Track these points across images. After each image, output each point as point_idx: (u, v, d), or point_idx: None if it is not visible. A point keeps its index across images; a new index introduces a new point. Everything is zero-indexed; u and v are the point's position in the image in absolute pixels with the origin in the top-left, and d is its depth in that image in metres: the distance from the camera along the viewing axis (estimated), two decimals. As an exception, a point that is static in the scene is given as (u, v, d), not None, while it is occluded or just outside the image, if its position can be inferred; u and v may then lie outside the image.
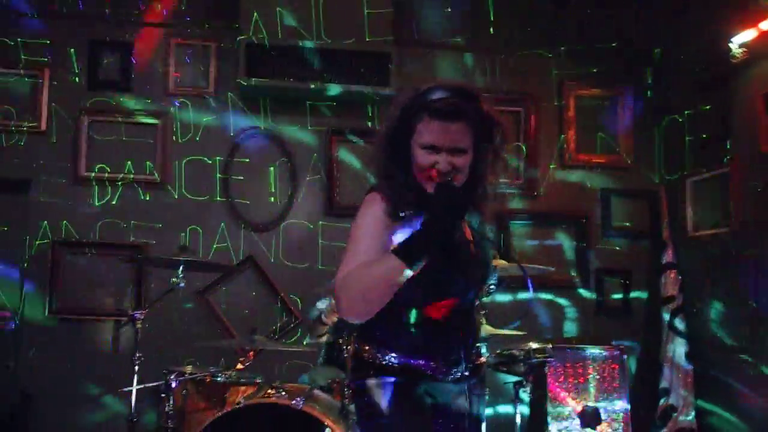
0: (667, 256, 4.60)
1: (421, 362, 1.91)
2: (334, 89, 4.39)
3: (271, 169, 4.55)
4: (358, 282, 1.75)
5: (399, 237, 1.80)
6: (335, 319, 3.47)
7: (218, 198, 4.49)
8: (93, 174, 4.39)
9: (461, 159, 1.88)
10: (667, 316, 4.52)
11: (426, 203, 1.80)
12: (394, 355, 1.91)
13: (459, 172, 1.88)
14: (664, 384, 4.46)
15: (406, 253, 1.71)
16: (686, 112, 4.58)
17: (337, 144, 4.60)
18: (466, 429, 1.97)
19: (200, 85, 4.53)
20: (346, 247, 1.88)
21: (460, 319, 1.95)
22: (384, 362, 1.91)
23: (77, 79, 4.44)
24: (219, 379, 3.39)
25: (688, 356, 4.43)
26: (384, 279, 1.73)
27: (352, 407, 3.23)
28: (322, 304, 3.83)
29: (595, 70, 4.83)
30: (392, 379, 1.90)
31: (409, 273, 1.71)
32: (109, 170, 4.41)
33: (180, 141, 4.49)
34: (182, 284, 3.45)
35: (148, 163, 4.44)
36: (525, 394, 3.67)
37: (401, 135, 1.91)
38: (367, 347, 1.94)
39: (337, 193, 4.56)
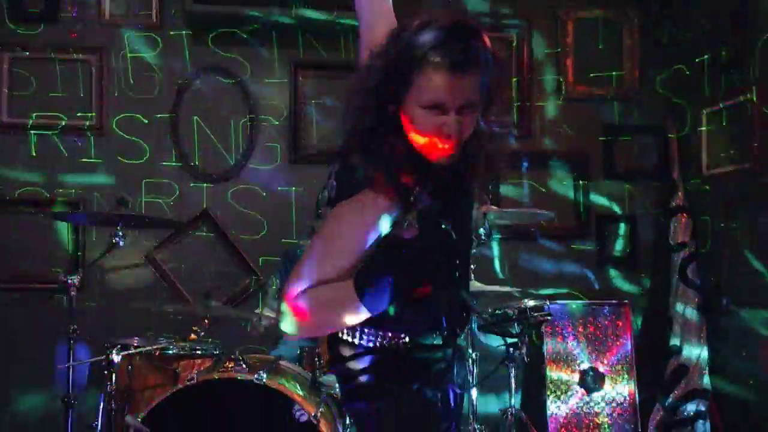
0: (678, 198, 4.45)
1: (428, 334, 1.73)
2: (299, 16, 4.13)
3: (228, 111, 4.31)
4: (311, 314, 1.58)
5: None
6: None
7: (166, 145, 4.24)
8: (17, 120, 4.11)
9: (471, 116, 1.61)
10: (677, 266, 4.38)
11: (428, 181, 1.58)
12: (391, 333, 1.72)
13: (467, 132, 1.63)
14: (674, 341, 4.32)
15: (366, 294, 1.56)
16: (701, 34, 4.35)
17: (302, 80, 4.35)
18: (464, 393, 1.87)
19: (142, 14, 4.24)
20: (314, 245, 1.62)
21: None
22: (385, 342, 1.73)
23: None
24: (170, 351, 3.23)
25: (702, 310, 4.30)
26: (340, 316, 1.60)
27: (324, 379, 3.10)
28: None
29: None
30: (398, 360, 1.74)
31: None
32: (36, 115, 4.13)
33: (118, 80, 4.21)
34: (122, 242, 3.24)
35: (82, 106, 4.17)
36: (520, 358, 3.53)
37: (391, 91, 1.61)
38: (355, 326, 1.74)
39: (303, 137, 4.34)
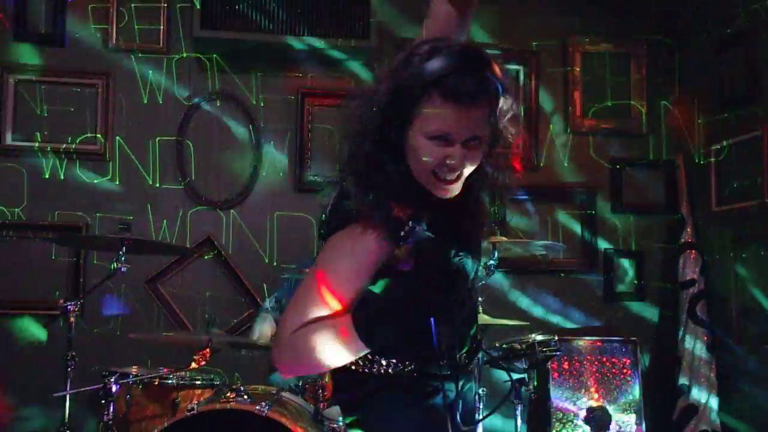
0: (687, 235, 4.43)
1: (434, 364, 1.65)
2: (305, 43, 4.14)
3: (233, 137, 4.29)
4: (307, 350, 1.54)
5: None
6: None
7: (170, 171, 4.22)
8: (22, 143, 4.09)
9: (477, 150, 1.56)
10: (686, 303, 4.34)
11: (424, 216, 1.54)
12: (395, 360, 1.67)
13: (473, 166, 1.58)
14: (682, 381, 4.28)
15: (367, 331, 1.50)
16: (711, 68, 4.36)
17: (308, 107, 4.34)
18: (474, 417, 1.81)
19: (149, 40, 4.24)
20: (310, 278, 1.57)
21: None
22: (390, 369, 1.68)
23: (1, 31, 4.12)
24: (170, 381, 3.17)
25: (711, 349, 4.26)
26: (339, 354, 1.55)
27: (327, 412, 3.04)
28: (269, 303, 3.66)
29: (604, 24, 4.62)
30: (403, 388, 1.69)
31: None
32: (39, 139, 4.11)
33: (124, 105, 4.20)
34: (124, 268, 3.19)
35: (87, 129, 4.15)
36: (527, 393, 3.47)
37: (393, 119, 1.55)
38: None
39: (309, 166, 4.32)
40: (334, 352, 1.53)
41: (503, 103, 1.60)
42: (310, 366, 1.58)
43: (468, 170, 1.58)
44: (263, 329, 3.60)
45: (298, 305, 1.56)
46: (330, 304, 1.54)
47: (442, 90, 1.50)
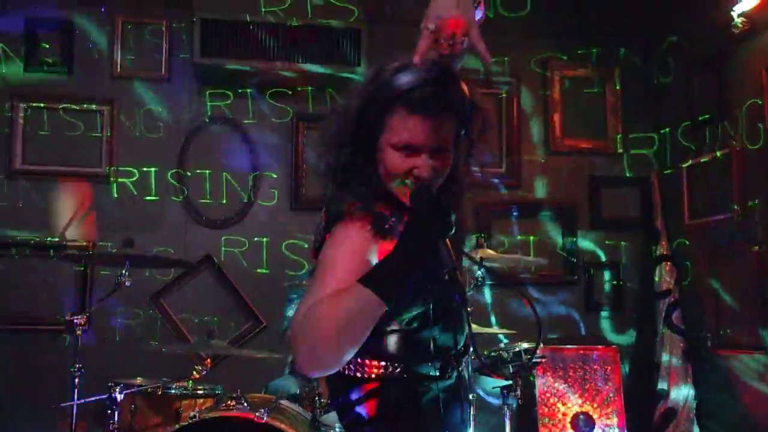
0: (662, 247, 4.42)
1: (424, 365, 1.63)
2: (300, 69, 4.14)
3: (232, 158, 4.28)
4: (320, 321, 1.38)
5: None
6: None
7: (171, 192, 4.20)
8: (30, 166, 4.06)
9: (444, 159, 1.56)
10: (662, 312, 4.32)
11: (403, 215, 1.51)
12: (385, 363, 1.62)
13: (440, 175, 1.57)
14: (661, 385, 4.25)
15: (380, 283, 1.37)
16: (683, 90, 4.37)
17: (303, 130, 4.33)
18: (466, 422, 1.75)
19: (151, 68, 4.24)
20: (318, 273, 1.52)
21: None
22: (380, 372, 1.62)
23: (11, 61, 4.10)
24: (172, 390, 3.13)
25: (686, 355, 4.23)
26: (355, 317, 1.38)
27: (324, 418, 3.01)
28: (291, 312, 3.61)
29: (583, 49, 4.64)
30: (396, 388, 1.64)
31: (383, 309, 1.38)
32: (47, 162, 4.08)
33: (128, 129, 4.19)
34: (128, 282, 3.15)
35: (93, 153, 4.12)
36: (514, 400, 3.43)
37: (364, 131, 1.56)
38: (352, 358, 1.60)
39: (303, 185, 4.30)
40: (348, 315, 1.39)
41: (473, 119, 1.60)
42: (328, 339, 1.39)
43: (435, 180, 1.57)
44: None
45: (309, 291, 1.49)
46: (336, 284, 1.45)
47: (406, 102, 1.51)
